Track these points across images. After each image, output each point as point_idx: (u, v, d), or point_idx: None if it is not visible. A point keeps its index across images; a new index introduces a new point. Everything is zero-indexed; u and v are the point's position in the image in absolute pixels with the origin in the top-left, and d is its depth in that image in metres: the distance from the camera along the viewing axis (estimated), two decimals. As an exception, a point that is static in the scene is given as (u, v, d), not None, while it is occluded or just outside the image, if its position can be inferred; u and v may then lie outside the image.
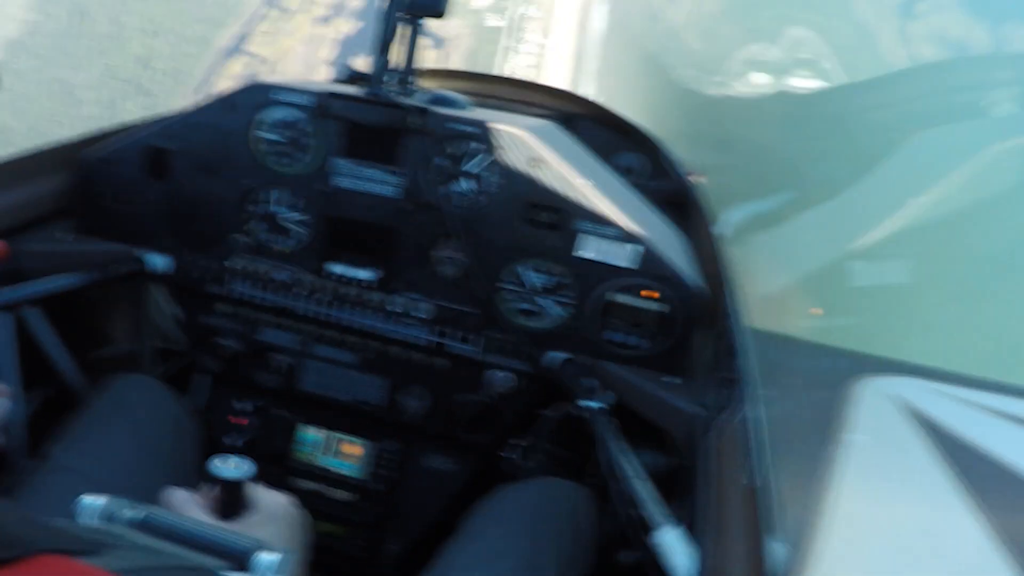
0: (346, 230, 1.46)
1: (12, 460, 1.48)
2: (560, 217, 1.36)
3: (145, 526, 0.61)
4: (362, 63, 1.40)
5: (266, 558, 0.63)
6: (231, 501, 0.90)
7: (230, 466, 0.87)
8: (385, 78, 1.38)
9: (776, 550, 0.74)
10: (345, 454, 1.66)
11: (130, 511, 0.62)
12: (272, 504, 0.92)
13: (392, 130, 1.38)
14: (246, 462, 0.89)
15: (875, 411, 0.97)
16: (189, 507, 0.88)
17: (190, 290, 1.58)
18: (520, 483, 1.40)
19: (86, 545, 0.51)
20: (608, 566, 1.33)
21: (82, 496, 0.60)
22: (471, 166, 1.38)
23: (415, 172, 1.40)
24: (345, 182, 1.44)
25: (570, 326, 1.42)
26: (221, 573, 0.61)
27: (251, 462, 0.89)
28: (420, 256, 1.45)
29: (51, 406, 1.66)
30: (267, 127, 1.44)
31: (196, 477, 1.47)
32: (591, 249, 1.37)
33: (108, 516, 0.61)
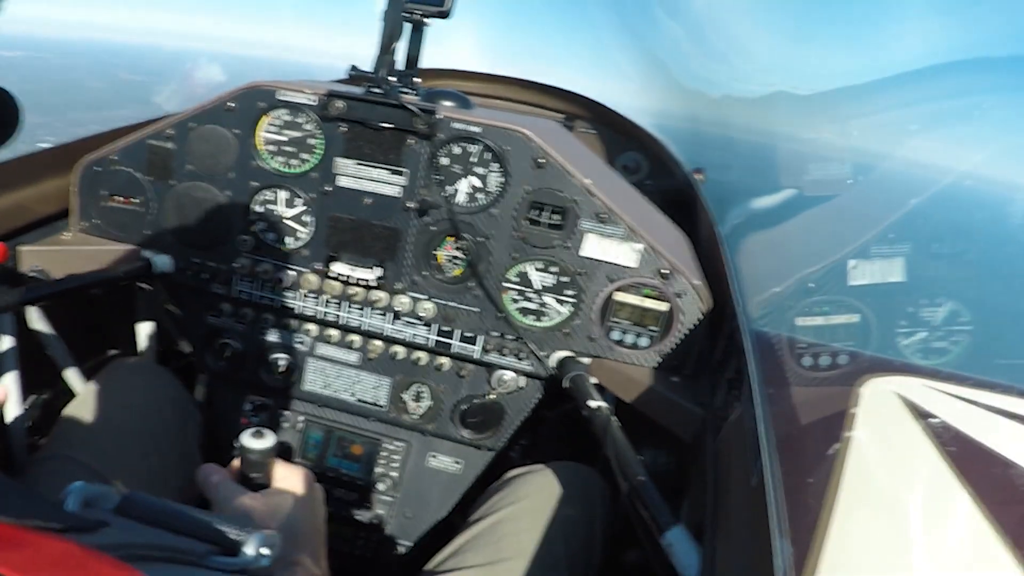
0: (350, 230, 1.46)
1: (14, 459, 1.48)
2: (564, 216, 1.36)
3: (126, 510, 0.60)
4: (365, 62, 1.39)
5: (253, 543, 0.63)
6: (253, 473, 0.94)
7: (255, 438, 0.92)
8: (388, 78, 1.38)
9: (783, 549, 0.74)
10: (349, 454, 1.66)
11: (114, 495, 0.61)
12: (292, 477, 0.96)
13: (396, 130, 1.38)
14: (270, 435, 0.93)
15: (878, 410, 0.97)
16: (215, 479, 0.91)
17: (193, 290, 1.58)
18: (531, 466, 1.39)
19: (70, 522, 0.50)
20: (615, 564, 1.33)
21: (69, 484, 0.60)
22: (475, 166, 1.38)
23: (419, 172, 1.40)
24: (349, 182, 1.44)
25: (574, 325, 1.42)
26: (211, 558, 0.60)
27: (273, 435, 0.93)
28: (424, 256, 1.45)
29: (53, 406, 1.66)
30: (270, 128, 1.44)
31: (200, 456, 1.48)
32: (594, 248, 1.37)
33: (90, 502, 0.60)
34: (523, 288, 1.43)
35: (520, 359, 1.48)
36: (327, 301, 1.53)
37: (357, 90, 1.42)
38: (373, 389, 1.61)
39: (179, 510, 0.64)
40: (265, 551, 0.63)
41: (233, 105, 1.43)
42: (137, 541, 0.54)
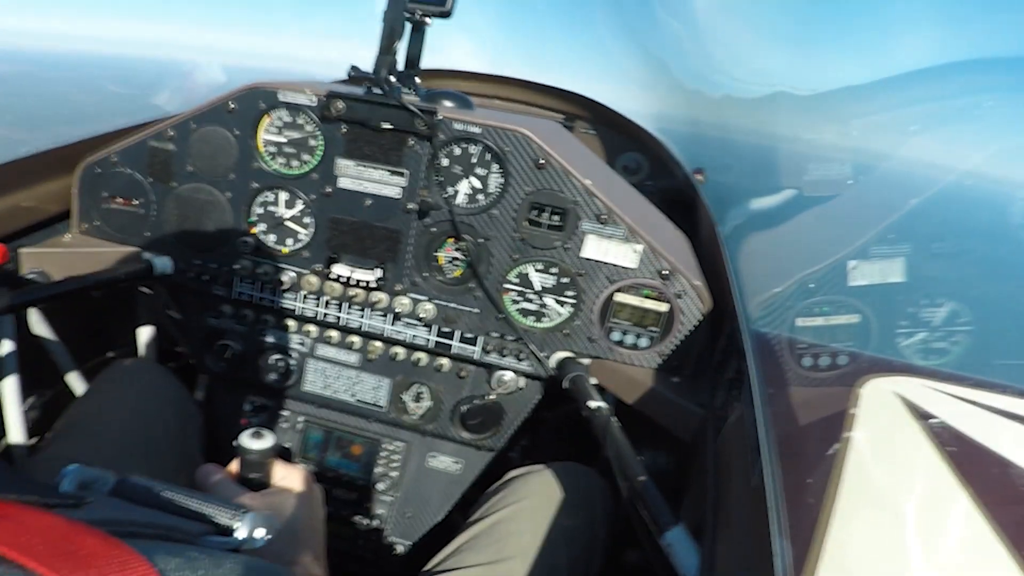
0: (350, 231, 1.46)
1: (14, 460, 1.48)
2: (564, 218, 1.36)
3: (121, 492, 0.60)
4: (365, 63, 1.39)
5: (247, 524, 0.63)
6: (253, 474, 0.94)
7: (254, 439, 0.93)
8: (389, 78, 1.38)
9: (783, 549, 0.74)
10: (349, 454, 1.66)
11: (110, 478, 0.62)
12: (291, 477, 0.96)
13: (396, 131, 1.38)
14: (269, 435, 0.93)
15: (878, 411, 0.97)
16: (214, 478, 0.92)
17: (194, 292, 1.58)
18: (531, 467, 1.39)
19: (59, 499, 0.50)
20: (616, 564, 1.33)
21: (64, 468, 0.60)
22: (475, 167, 1.38)
23: (419, 173, 1.40)
24: (349, 183, 1.44)
25: (574, 326, 1.42)
26: (205, 537, 0.60)
27: (273, 435, 0.93)
28: (424, 257, 1.45)
29: (53, 407, 1.66)
30: (270, 128, 1.44)
31: (200, 457, 1.48)
32: (594, 249, 1.37)
33: (85, 485, 0.60)
34: (523, 289, 1.43)
35: (520, 360, 1.48)
36: (327, 302, 1.53)
37: (357, 91, 1.42)
38: (373, 390, 1.61)
39: (174, 492, 0.64)
40: (259, 532, 0.63)
41: (234, 106, 1.43)
42: (127, 518, 0.54)
